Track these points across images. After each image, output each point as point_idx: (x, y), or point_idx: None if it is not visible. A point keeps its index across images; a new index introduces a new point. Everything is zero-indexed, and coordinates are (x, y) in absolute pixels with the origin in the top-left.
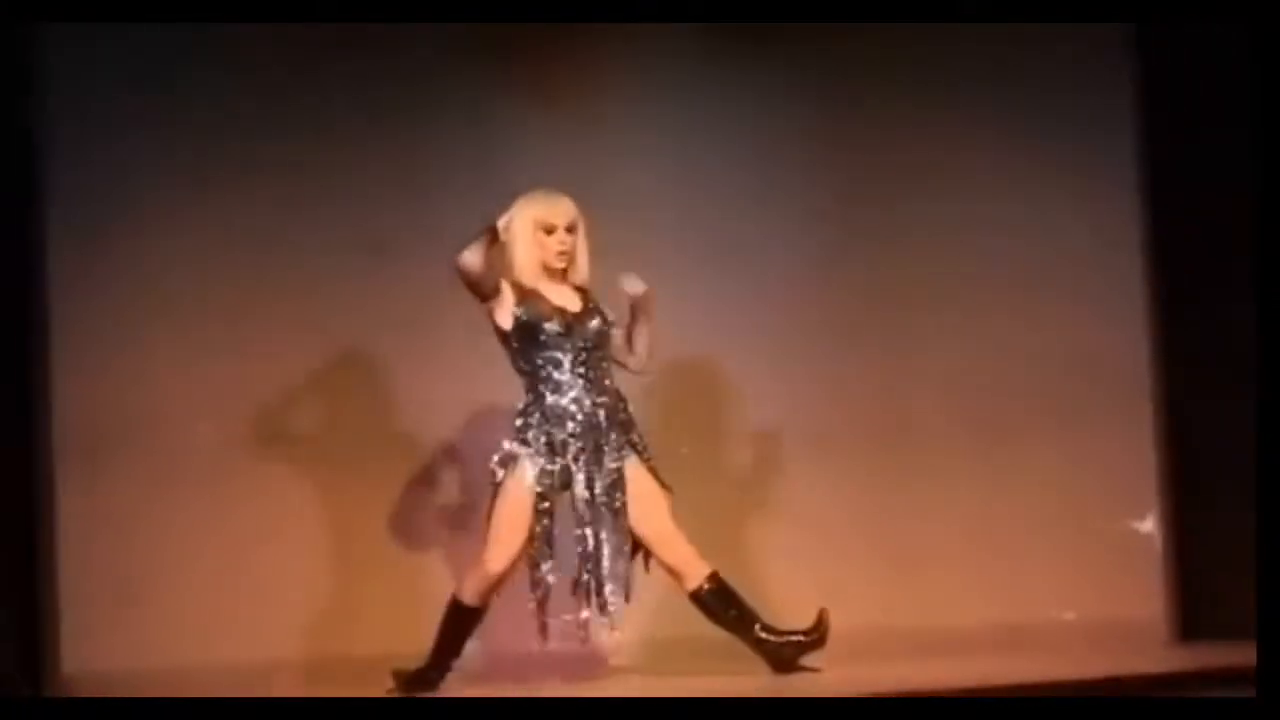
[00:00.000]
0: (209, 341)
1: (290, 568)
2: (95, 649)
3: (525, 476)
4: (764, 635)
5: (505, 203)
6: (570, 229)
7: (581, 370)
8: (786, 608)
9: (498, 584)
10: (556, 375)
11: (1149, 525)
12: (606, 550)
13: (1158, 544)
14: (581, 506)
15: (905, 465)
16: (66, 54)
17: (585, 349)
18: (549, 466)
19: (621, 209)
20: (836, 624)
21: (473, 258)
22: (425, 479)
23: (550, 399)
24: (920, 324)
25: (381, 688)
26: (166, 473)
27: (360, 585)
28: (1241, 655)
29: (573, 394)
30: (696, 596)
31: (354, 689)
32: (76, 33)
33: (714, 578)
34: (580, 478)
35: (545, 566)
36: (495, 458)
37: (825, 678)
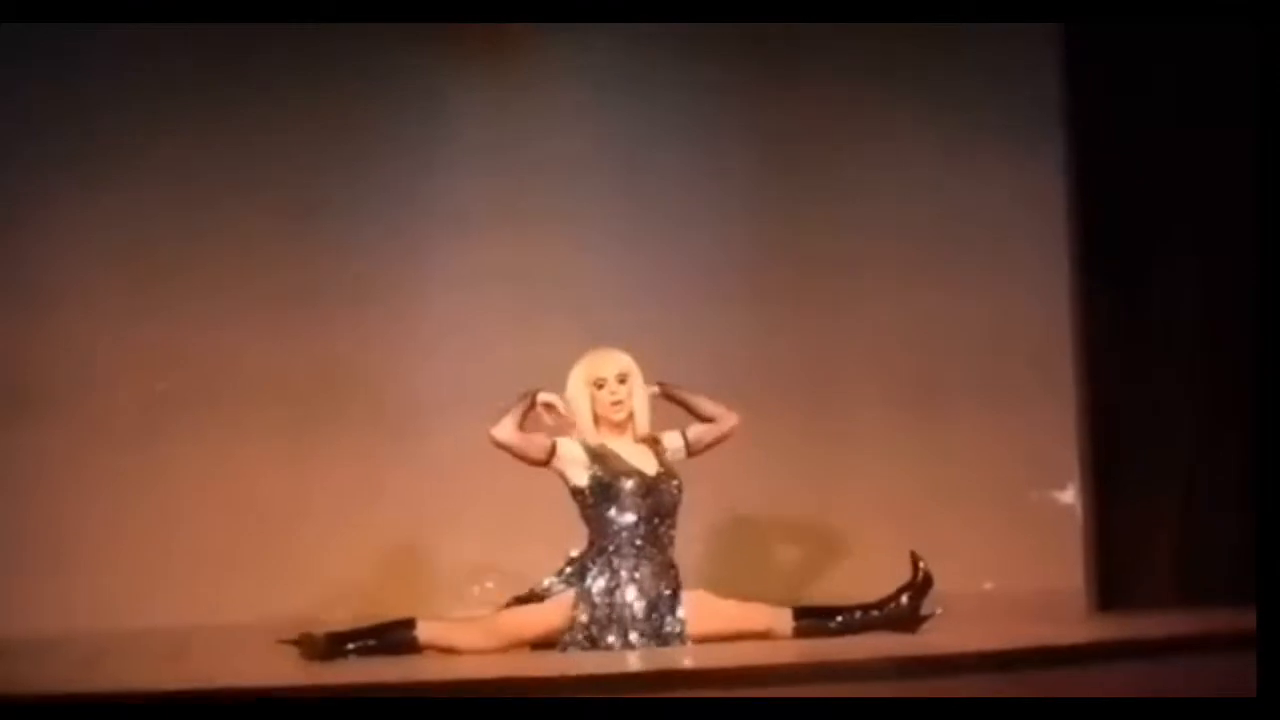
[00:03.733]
0: (137, 303)
1: (218, 531)
2: (23, 613)
3: (561, 611)
4: (876, 613)
5: (437, 165)
6: (621, 379)
7: (650, 536)
8: (704, 580)
9: (453, 652)
10: (625, 535)
11: (1069, 496)
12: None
13: (1078, 515)
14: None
15: (826, 433)
16: None
17: (659, 514)
18: (596, 615)
19: (551, 174)
20: (746, 593)
21: (505, 430)
22: (356, 442)
23: (615, 560)
24: (845, 291)
25: (288, 653)
26: (93, 435)
27: (290, 549)
28: (1159, 625)
29: (636, 559)
30: (799, 634)
31: (281, 656)
32: None
33: (798, 611)
34: (632, 635)
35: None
36: (546, 582)
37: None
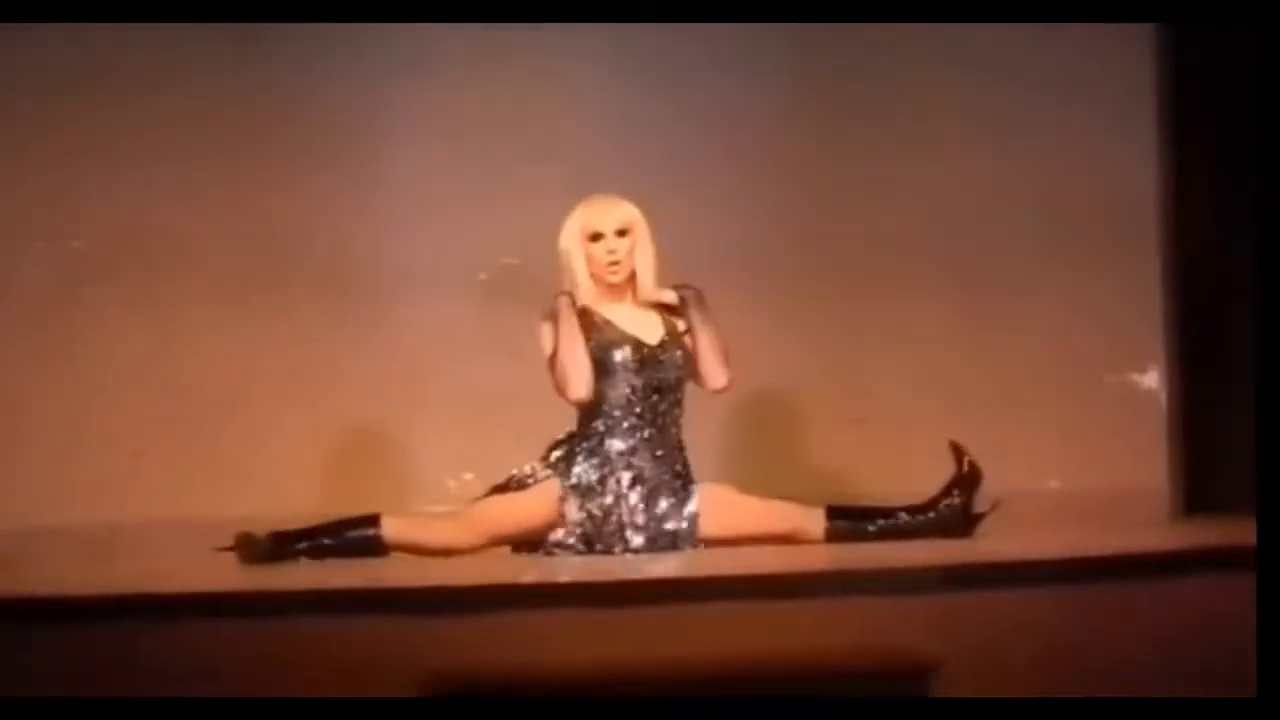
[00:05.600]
0: (40, 148)
1: (142, 416)
2: None
3: (546, 500)
4: (923, 516)
5: None
6: (622, 233)
7: (648, 414)
8: (718, 479)
9: (425, 553)
10: (619, 414)
11: (1152, 380)
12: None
13: (1161, 402)
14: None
15: (867, 311)
16: None
17: (658, 389)
18: (588, 509)
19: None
20: (791, 492)
21: (584, 383)
22: (306, 315)
23: (607, 442)
24: (887, 147)
25: (226, 555)
26: None
27: (228, 438)
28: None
29: (632, 441)
30: (831, 538)
31: (218, 560)
32: None
33: (831, 511)
34: (631, 533)
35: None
36: (528, 468)
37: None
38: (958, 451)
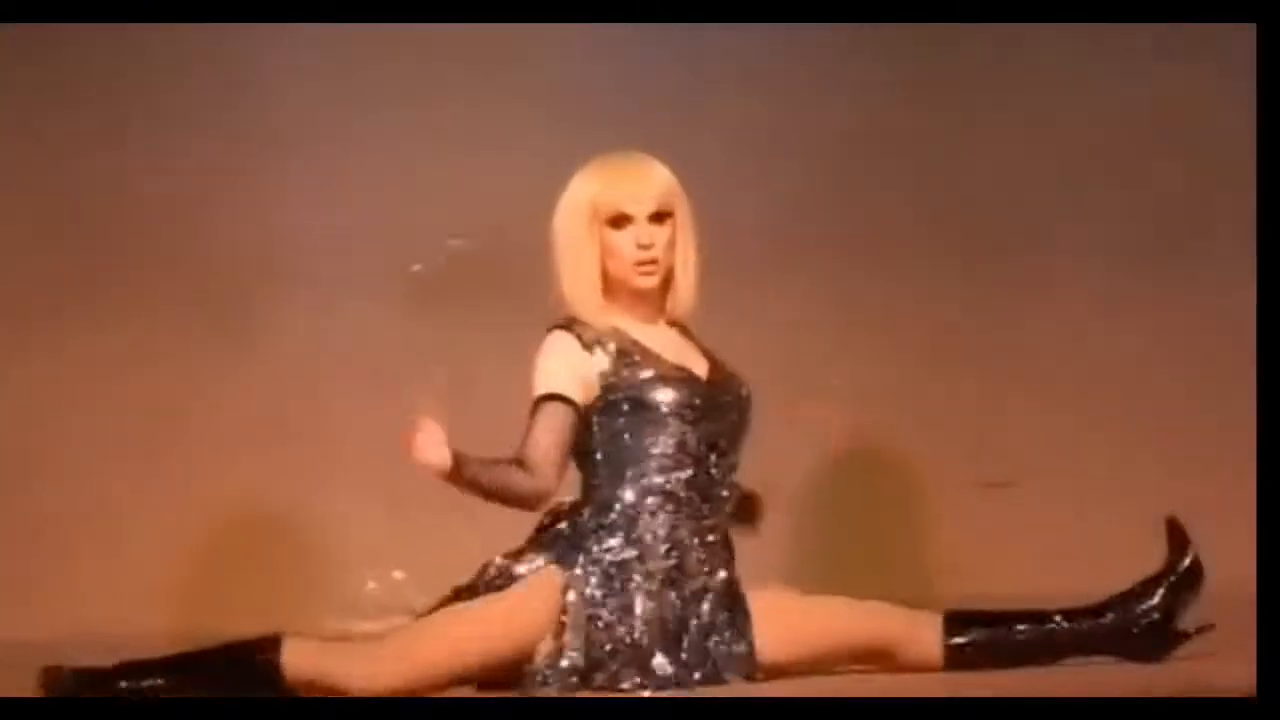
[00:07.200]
0: None
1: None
2: None
3: (545, 606)
4: (1092, 623)
5: None
6: (659, 217)
7: (700, 481)
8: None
9: (344, 694)
10: (653, 476)
11: None
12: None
13: None
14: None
15: (1002, 317)
16: None
17: (715, 444)
18: (599, 609)
19: None
20: (883, 592)
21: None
22: (167, 331)
23: (642, 520)
24: (1023, 76)
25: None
26: None
27: (51, 516)
28: None
29: (678, 519)
30: (953, 660)
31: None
32: None
33: (953, 620)
34: (659, 660)
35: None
36: (518, 565)
37: None
38: (1178, 535)
